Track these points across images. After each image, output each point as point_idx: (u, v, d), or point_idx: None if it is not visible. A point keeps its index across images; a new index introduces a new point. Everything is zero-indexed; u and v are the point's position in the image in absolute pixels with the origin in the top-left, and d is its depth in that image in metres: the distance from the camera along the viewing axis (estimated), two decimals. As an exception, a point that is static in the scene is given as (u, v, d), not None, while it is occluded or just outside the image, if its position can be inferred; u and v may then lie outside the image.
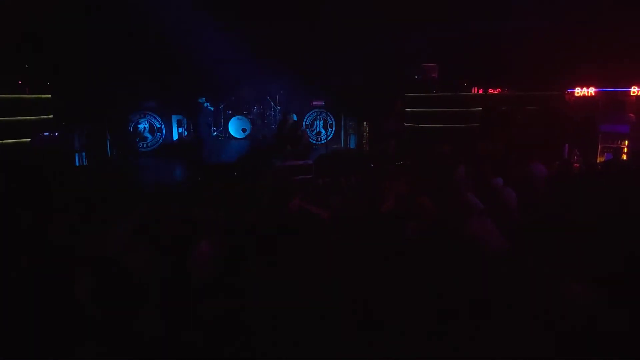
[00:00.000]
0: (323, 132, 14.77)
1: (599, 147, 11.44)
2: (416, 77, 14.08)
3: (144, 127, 13.37)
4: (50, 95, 11.82)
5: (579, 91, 12.57)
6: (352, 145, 14.61)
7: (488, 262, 3.53)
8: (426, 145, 12.13)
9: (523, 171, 7.01)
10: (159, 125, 13.48)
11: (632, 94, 11.38)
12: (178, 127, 12.61)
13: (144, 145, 13.38)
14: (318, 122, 14.70)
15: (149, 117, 13.42)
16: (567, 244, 3.42)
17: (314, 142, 14.40)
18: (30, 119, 11.34)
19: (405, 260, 3.53)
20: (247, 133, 13.03)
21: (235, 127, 12.94)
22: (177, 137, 12.58)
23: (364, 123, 14.38)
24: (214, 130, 12.13)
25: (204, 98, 12.36)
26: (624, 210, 4.48)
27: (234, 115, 13.01)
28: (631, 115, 11.09)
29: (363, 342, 2.78)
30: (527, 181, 6.65)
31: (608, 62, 11.95)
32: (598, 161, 11.12)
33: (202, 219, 4.41)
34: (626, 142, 11.12)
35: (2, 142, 10.51)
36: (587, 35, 12.28)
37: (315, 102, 14.65)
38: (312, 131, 14.54)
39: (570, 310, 3.06)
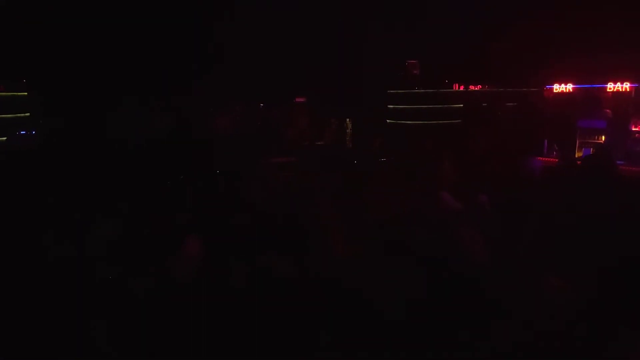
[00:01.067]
0: (306, 129, 14.76)
1: (577, 142, 11.68)
2: (398, 73, 14.17)
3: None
4: (26, 93, 11.58)
5: (557, 87, 12.78)
6: (337, 142, 14.63)
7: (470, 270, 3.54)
8: (408, 142, 12.22)
9: (516, 166, 7.05)
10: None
11: (608, 90, 11.61)
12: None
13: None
14: (301, 118, 14.69)
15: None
16: (552, 241, 3.48)
17: (297, 139, 14.38)
18: (6, 117, 11.10)
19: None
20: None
21: (219, 125, 12.84)
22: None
23: (347, 120, 14.42)
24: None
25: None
26: (605, 206, 4.55)
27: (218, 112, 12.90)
28: (607, 111, 11.33)
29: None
30: (520, 176, 6.72)
31: (585, 59, 12.19)
32: (577, 156, 11.33)
33: (186, 218, 4.37)
34: (603, 138, 11.36)
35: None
36: (565, 32, 12.50)
37: (298, 99, 14.63)
38: (295, 128, 14.51)
39: (551, 306, 3.13)
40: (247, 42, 13.54)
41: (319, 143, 14.70)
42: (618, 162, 10.63)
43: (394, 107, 13.85)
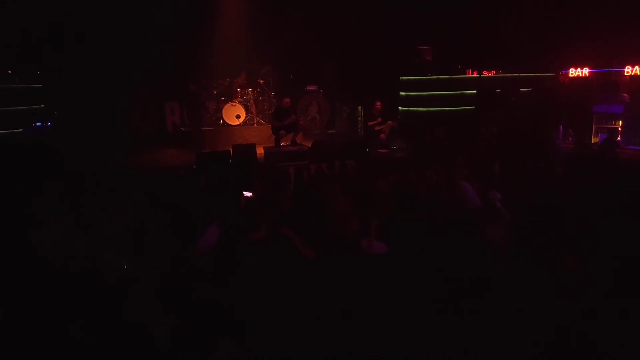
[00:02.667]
0: (317, 117, 14.70)
1: (593, 127, 11.48)
2: (410, 60, 13.99)
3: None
4: (40, 85, 11.69)
5: (573, 72, 12.55)
6: (349, 130, 14.60)
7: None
8: (421, 130, 12.12)
9: (547, 146, 7.04)
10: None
11: (625, 73, 11.36)
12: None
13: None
14: (312, 107, 14.64)
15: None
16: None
17: (309, 127, 14.37)
18: (21, 109, 11.23)
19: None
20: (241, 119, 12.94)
21: (228, 114, 12.86)
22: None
23: (359, 107, 14.32)
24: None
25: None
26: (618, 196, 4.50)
27: (227, 102, 12.90)
28: (625, 95, 11.10)
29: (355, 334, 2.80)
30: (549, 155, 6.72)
31: (602, 42, 11.92)
32: (592, 142, 11.16)
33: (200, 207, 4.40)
34: (620, 122, 11.15)
35: (-6, 133, 10.40)
36: (580, 15, 12.23)
37: (309, 87, 14.54)
38: (307, 116, 14.48)
39: (565, 283, 3.11)
40: (258, 28, 13.50)
41: (330, 131, 14.66)
42: (636, 147, 10.46)
43: (406, 95, 13.72)
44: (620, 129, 11.11)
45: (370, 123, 11.96)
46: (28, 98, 11.45)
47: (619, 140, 10.68)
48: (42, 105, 11.66)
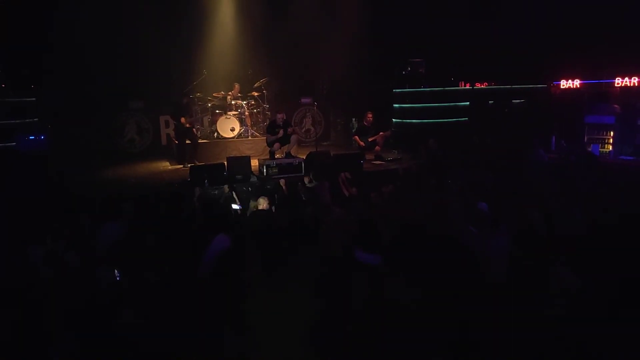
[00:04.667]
0: (312, 129, 14.75)
1: (585, 138, 11.60)
2: (403, 72, 14.10)
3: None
4: (34, 98, 11.67)
5: (564, 83, 12.68)
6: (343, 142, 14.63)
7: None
8: (415, 141, 12.17)
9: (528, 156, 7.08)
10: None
11: (616, 85, 11.51)
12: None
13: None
14: (306, 119, 14.68)
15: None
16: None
17: (303, 139, 14.40)
18: (15, 122, 11.21)
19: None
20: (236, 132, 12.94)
21: (223, 127, 12.85)
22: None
23: (353, 119, 14.36)
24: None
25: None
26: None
27: (222, 114, 12.91)
28: (616, 106, 11.23)
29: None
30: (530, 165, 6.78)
31: (592, 54, 12.08)
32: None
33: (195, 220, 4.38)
34: (611, 133, 11.27)
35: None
36: (571, 27, 12.41)
37: (303, 100, 14.59)
38: (301, 128, 14.52)
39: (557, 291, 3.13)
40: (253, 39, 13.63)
41: (325, 143, 14.68)
42: (628, 157, 10.56)
43: (400, 107, 13.82)
44: (612, 140, 11.25)
45: (355, 137, 12.02)
46: (22, 111, 11.42)
47: (609, 151, 10.82)
48: (36, 119, 11.63)
